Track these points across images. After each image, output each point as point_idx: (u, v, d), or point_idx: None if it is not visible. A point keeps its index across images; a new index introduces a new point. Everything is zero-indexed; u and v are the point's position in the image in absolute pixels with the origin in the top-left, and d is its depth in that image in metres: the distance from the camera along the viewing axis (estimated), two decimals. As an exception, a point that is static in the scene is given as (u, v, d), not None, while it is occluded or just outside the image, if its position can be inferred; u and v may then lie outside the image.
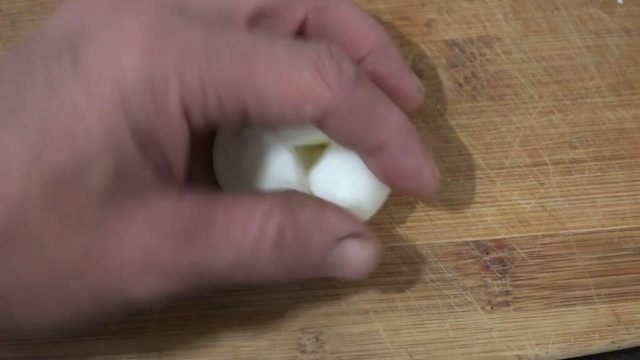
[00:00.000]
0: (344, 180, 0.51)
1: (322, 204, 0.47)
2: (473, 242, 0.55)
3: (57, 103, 0.41)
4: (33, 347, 0.54)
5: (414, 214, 0.56)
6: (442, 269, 0.54)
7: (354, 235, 0.47)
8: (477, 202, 0.57)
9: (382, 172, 0.48)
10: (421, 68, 0.60)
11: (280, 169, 0.50)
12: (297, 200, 0.46)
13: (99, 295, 0.43)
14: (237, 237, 0.44)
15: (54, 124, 0.41)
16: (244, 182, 0.51)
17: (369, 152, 0.47)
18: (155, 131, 0.42)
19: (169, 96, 0.42)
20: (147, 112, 0.42)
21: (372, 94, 0.46)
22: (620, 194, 0.56)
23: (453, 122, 0.58)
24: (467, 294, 0.54)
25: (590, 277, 0.54)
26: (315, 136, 0.50)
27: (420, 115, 0.59)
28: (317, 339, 0.53)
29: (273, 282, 0.48)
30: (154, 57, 0.42)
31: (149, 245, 0.42)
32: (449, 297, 0.54)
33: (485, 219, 0.55)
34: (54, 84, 0.41)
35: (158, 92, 0.42)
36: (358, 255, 0.47)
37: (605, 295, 0.54)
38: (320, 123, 0.45)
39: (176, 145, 0.44)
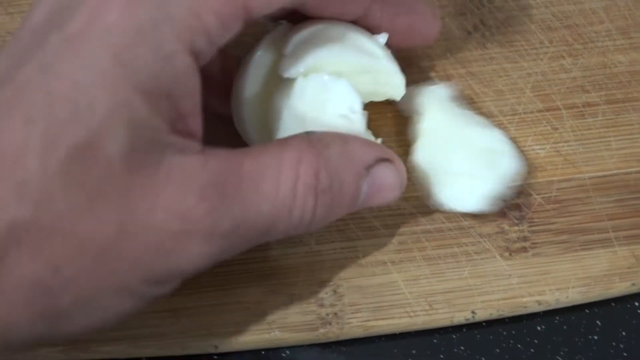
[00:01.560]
0: None
1: (344, 138, 0.45)
2: (489, 189, 0.52)
3: (56, 83, 0.38)
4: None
5: (428, 163, 0.54)
6: (458, 217, 0.52)
7: (380, 161, 0.46)
8: (491, 149, 0.54)
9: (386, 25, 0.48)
10: (429, 17, 0.57)
11: (342, 97, 0.48)
12: (320, 140, 0.44)
13: (146, 273, 0.40)
14: (271, 187, 0.42)
15: (58, 103, 0.38)
16: (295, 127, 0.48)
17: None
18: (162, 82, 0.40)
19: (164, 40, 0.39)
20: (147, 65, 0.39)
21: None
22: (634, 136, 0.54)
23: (463, 71, 0.56)
24: (484, 241, 0.51)
25: (608, 220, 0.52)
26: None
27: (430, 65, 0.57)
28: (335, 292, 0.51)
29: (312, 230, 0.45)
30: (135, 6, 0.39)
31: (182, 208, 0.39)
32: (467, 245, 0.52)
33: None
34: (49, 65, 0.39)
35: (152, 40, 0.39)
36: (389, 178, 0.46)
37: (623, 237, 0.52)
38: None
39: (188, 92, 0.41)
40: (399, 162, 0.47)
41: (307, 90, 0.48)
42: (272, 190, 0.41)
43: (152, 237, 0.39)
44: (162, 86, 0.40)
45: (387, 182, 0.46)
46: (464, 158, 0.50)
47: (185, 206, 0.39)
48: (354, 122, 0.47)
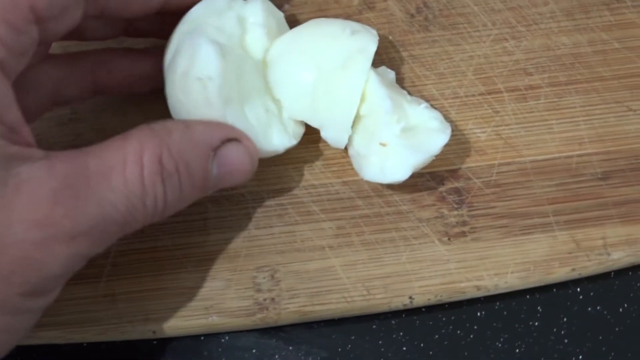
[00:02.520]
0: None
1: (187, 123, 0.45)
2: (428, 173, 0.52)
3: None
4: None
5: (367, 147, 0.52)
6: (397, 202, 0.51)
7: (227, 141, 0.46)
8: (431, 133, 0.52)
9: None
10: (372, 0, 0.56)
11: (202, 60, 0.47)
12: (162, 128, 0.44)
13: (21, 287, 0.40)
14: (119, 181, 0.41)
15: None
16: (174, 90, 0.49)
17: None
18: None
19: None
20: None
21: None
22: (577, 119, 0.52)
23: (405, 54, 0.55)
24: (423, 225, 0.50)
25: (549, 204, 0.51)
26: None
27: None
28: (272, 277, 0.50)
29: (167, 215, 0.45)
30: None
31: (38, 216, 0.39)
32: (405, 230, 0.50)
33: (441, 148, 0.51)
34: None
35: None
36: (237, 157, 0.46)
37: (564, 222, 0.50)
38: None
39: (5, 103, 0.41)
40: (248, 140, 0.47)
41: (183, 48, 0.48)
42: (120, 184, 0.41)
43: (17, 251, 0.39)
44: None
45: (236, 162, 0.46)
46: (391, 134, 0.49)
47: (41, 213, 0.39)
48: (207, 88, 0.47)
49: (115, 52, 0.52)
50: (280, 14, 0.52)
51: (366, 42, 0.50)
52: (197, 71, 0.46)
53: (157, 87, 0.50)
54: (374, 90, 0.49)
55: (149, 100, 0.54)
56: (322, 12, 0.56)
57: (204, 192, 0.46)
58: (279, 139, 0.49)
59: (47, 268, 0.40)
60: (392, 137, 0.49)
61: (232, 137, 0.46)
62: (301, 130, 0.51)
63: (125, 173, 0.41)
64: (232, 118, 0.47)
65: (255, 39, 0.50)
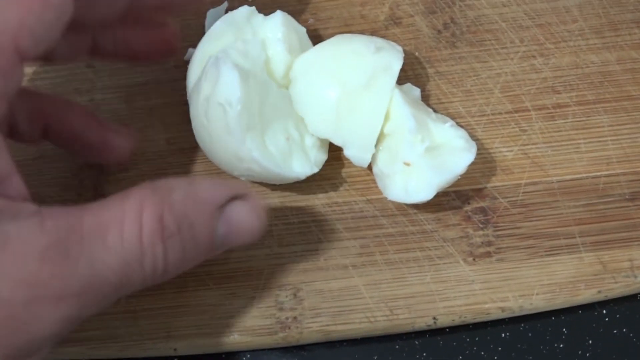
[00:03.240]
0: None
1: (190, 181, 0.44)
2: (453, 192, 0.51)
3: None
4: None
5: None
6: (422, 221, 0.50)
7: (234, 198, 0.43)
8: (458, 151, 0.51)
9: None
10: (399, 16, 0.55)
11: (225, 86, 0.47)
12: (163, 185, 0.42)
13: (5, 349, 0.38)
14: (115, 240, 0.39)
15: None
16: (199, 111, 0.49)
17: None
18: None
19: None
20: None
21: None
22: (605, 138, 0.51)
23: (432, 70, 0.54)
24: (448, 245, 0.49)
25: (575, 225, 0.50)
26: None
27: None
28: (295, 295, 0.49)
29: (171, 276, 0.42)
30: None
31: (25, 275, 0.37)
32: (430, 250, 0.50)
33: (467, 168, 0.50)
34: None
35: None
36: (244, 215, 0.43)
37: (590, 243, 0.49)
38: None
39: None
40: (253, 198, 0.44)
41: (208, 72, 0.48)
42: (117, 243, 0.39)
43: (2, 310, 0.37)
44: None
45: (243, 220, 0.43)
46: (415, 154, 0.48)
47: (28, 272, 0.37)
48: (228, 114, 0.46)
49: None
50: (302, 29, 0.51)
51: (391, 60, 0.49)
52: (219, 97, 0.46)
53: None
54: (398, 109, 0.49)
55: (172, 115, 0.54)
56: (348, 28, 0.55)
57: (209, 253, 0.43)
58: (299, 166, 0.49)
59: (33, 330, 0.38)
60: (416, 157, 0.48)
61: (238, 194, 0.43)
62: (323, 158, 0.50)
63: (122, 232, 0.39)
64: (251, 144, 0.47)
65: (276, 54, 0.50)
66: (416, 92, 0.52)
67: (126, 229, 0.39)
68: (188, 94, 0.51)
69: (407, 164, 0.48)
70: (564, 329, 0.50)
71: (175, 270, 0.42)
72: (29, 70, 0.56)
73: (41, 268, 0.37)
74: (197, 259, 0.43)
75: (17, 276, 0.37)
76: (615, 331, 0.50)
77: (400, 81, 0.51)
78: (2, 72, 0.39)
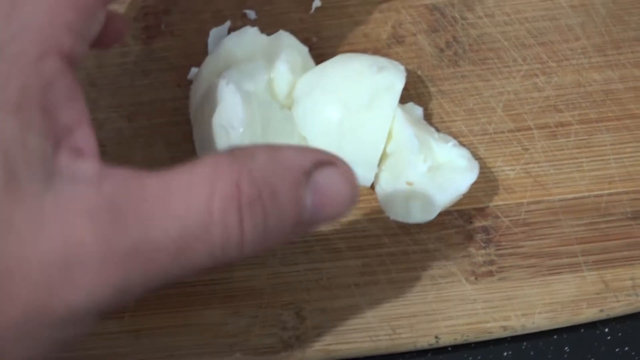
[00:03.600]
0: None
1: (273, 146, 0.38)
2: (456, 211, 0.51)
3: None
4: None
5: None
6: (424, 240, 0.50)
7: (320, 165, 0.38)
8: (460, 170, 0.51)
9: None
10: (401, 34, 0.55)
11: (227, 108, 0.47)
12: (243, 152, 0.37)
13: (40, 316, 0.34)
14: (180, 205, 0.35)
15: None
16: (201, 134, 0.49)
17: None
18: (33, 94, 0.35)
19: (25, 48, 0.36)
20: (11, 79, 0.35)
21: None
22: (607, 157, 0.51)
23: (434, 89, 0.54)
24: (450, 264, 0.50)
25: (578, 244, 0.50)
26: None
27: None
28: (297, 314, 0.49)
29: (251, 252, 0.37)
30: None
31: (67, 235, 0.34)
32: (432, 269, 0.50)
33: (469, 187, 0.50)
34: None
35: (11, 52, 0.35)
36: (334, 182, 0.38)
37: (593, 262, 0.49)
38: None
39: (65, 98, 0.36)
40: (343, 164, 0.39)
41: (211, 94, 0.48)
42: (181, 208, 0.35)
43: (38, 272, 0.34)
44: (33, 98, 0.35)
45: (333, 188, 0.38)
46: (418, 174, 0.49)
47: (70, 232, 0.34)
48: (231, 136, 0.46)
49: None
50: (305, 49, 0.52)
51: (393, 80, 0.49)
52: (221, 119, 0.46)
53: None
54: (401, 128, 0.49)
55: (175, 134, 0.54)
56: (351, 46, 0.55)
57: (296, 228, 0.38)
58: None
59: (69, 295, 0.34)
60: (419, 177, 0.48)
61: (328, 159, 0.38)
62: None
63: (188, 197, 0.35)
64: None
65: (279, 75, 0.50)
66: (419, 111, 0.52)
67: (194, 194, 0.35)
68: (191, 114, 0.51)
69: (410, 184, 0.48)
70: (566, 348, 0.50)
71: (253, 245, 0.37)
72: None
73: (86, 228, 0.34)
74: (281, 235, 0.38)
75: (57, 236, 0.34)
76: (617, 349, 0.50)
77: (403, 100, 0.51)
78: (86, 11, 0.37)
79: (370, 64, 0.50)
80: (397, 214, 0.49)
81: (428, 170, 0.48)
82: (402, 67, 0.50)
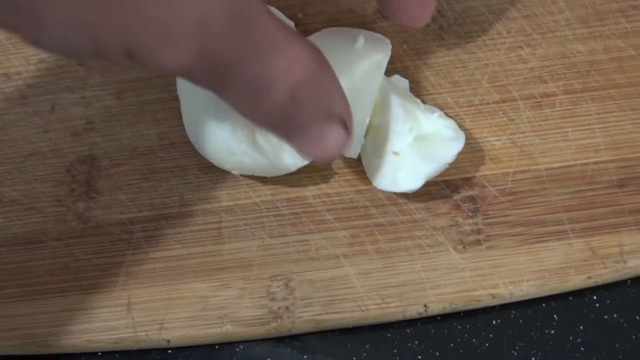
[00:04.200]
0: None
1: (337, 78, 0.43)
2: (443, 181, 0.51)
3: None
4: (1, 306, 0.51)
5: (382, 156, 0.52)
6: (412, 210, 0.50)
7: (341, 119, 0.42)
8: (446, 141, 0.52)
9: None
10: (386, 9, 0.55)
11: None
12: (325, 60, 0.42)
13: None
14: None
15: None
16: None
17: None
18: None
19: None
20: None
21: None
22: (592, 126, 0.52)
23: (420, 62, 0.54)
24: (438, 234, 0.50)
25: (564, 212, 0.50)
26: None
27: (387, 57, 0.54)
28: (286, 285, 0.49)
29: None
30: None
31: None
32: (420, 238, 0.50)
33: (455, 157, 0.50)
34: None
35: None
36: (336, 136, 0.42)
37: (580, 229, 0.49)
38: None
39: None
40: (351, 133, 0.43)
41: None
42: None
43: None
44: None
45: (332, 138, 0.42)
46: (404, 143, 0.48)
47: None
48: (218, 109, 0.47)
49: None
50: (291, 24, 0.52)
51: (379, 52, 0.49)
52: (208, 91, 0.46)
53: None
54: (387, 99, 0.49)
55: (163, 110, 0.54)
56: (337, 22, 0.55)
57: (289, 135, 0.43)
58: (291, 159, 0.49)
59: None
60: (405, 147, 0.48)
61: (347, 120, 0.43)
62: None
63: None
64: (242, 138, 0.48)
65: None
66: (404, 83, 0.52)
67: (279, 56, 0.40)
68: (178, 90, 0.51)
69: (396, 154, 0.48)
70: (555, 315, 0.50)
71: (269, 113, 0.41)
72: (22, 69, 0.56)
73: None
74: (281, 128, 0.43)
75: None
76: (606, 317, 0.50)
77: (389, 73, 0.52)
78: None
79: (355, 38, 0.50)
80: (384, 184, 0.49)
81: (414, 140, 0.48)
82: (387, 40, 0.51)
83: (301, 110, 0.41)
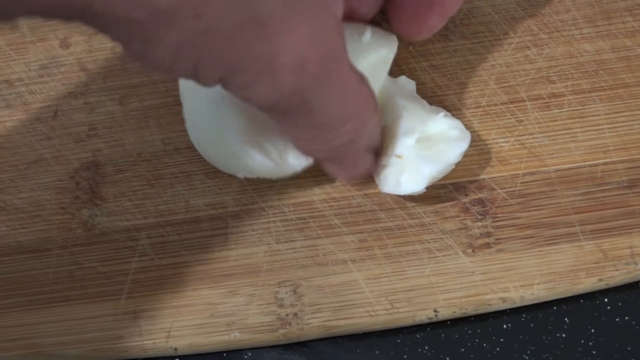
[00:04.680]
0: None
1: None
2: (451, 184, 0.50)
3: None
4: (5, 315, 0.50)
5: (389, 159, 0.51)
6: (420, 214, 0.49)
7: (376, 150, 0.48)
8: (454, 143, 0.51)
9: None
10: (391, 10, 0.54)
11: None
12: (376, 101, 0.46)
13: None
14: None
15: None
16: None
17: None
18: None
19: None
20: None
21: None
22: (601, 127, 0.51)
23: (426, 64, 0.53)
24: (447, 237, 0.49)
25: (574, 213, 0.49)
26: None
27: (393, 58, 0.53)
28: (294, 291, 0.49)
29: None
30: None
31: None
32: (429, 242, 0.49)
33: (463, 159, 0.50)
34: None
35: None
36: (368, 162, 0.48)
37: (590, 231, 0.49)
38: None
39: None
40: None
41: None
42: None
43: None
44: None
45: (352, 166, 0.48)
46: (407, 146, 0.48)
47: None
48: (222, 112, 0.47)
49: None
50: None
51: (385, 47, 0.49)
52: (211, 95, 0.46)
53: None
54: (390, 101, 0.48)
55: (167, 115, 0.53)
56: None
57: (321, 150, 0.46)
58: (295, 159, 0.48)
59: None
60: (408, 149, 0.47)
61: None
62: None
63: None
64: (245, 141, 0.47)
65: None
66: (411, 85, 0.52)
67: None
68: (181, 94, 0.50)
69: (399, 157, 0.48)
70: (566, 319, 0.49)
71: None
72: (23, 75, 0.55)
73: None
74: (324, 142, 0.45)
75: None
76: (617, 319, 0.49)
77: (395, 75, 0.51)
78: None
79: (361, 32, 0.49)
80: (388, 187, 0.49)
81: (418, 142, 0.48)
82: (394, 36, 0.50)
83: (354, 148, 0.45)
